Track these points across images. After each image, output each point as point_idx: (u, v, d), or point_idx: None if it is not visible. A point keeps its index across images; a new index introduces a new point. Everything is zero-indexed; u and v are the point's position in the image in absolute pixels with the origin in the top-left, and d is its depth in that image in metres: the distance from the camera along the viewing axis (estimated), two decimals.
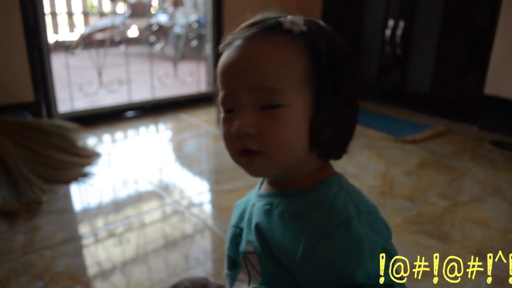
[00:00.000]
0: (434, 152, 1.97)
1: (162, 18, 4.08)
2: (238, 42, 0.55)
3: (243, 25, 0.57)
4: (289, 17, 0.55)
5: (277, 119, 0.53)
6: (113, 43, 2.72)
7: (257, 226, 0.58)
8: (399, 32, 2.52)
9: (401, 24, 2.51)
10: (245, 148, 0.55)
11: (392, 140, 2.11)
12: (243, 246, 0.62)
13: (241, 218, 0.63)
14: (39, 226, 1.30)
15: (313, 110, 0.54)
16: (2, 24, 1.82)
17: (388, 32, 2.56)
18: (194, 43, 3.10)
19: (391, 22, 2.55)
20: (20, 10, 1.86)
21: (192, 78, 2.95)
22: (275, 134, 0.53)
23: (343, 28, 2.75)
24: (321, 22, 0.59)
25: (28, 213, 1.36)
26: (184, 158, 1.93)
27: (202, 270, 1.14)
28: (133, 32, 4.59)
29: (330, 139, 0.56)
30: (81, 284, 1.05)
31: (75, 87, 2.36)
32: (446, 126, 2.30)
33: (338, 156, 0.60)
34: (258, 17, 0.57)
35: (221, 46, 0.57)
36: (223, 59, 0.56)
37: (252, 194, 0.64)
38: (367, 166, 1.81)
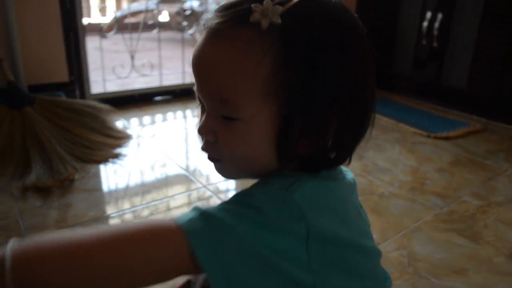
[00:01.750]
0: (468, 150, 1.92)
1: (194, 3, 4.08)
2: (204, 33, 0.48)
3: (220, 5, 0.48)
4: (266, 1, 0.44)
5: (233, 132, 0.47)
6: (146, 27, 2.74)
7: None
8: (436, 24, 2.45)
9: (439, 16, 2.44)
10: (205, 151, 0.52)
11: (425, 136, 2.06)
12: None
13: None
14: (71, 203, 1.32)
15: (282, 122, 0.46)
16: (41, 7, 1.85)
17: (425, 24, 2.49)
18: None
19: (428, 14, 2.48)
20: None
21: None
22: (230, 148, 0.49)
23: (378, 19, 2.71)
24: (317, 6, 0.46)
25: (61, 190, 1.40)
26: None
27: None
28: (164, 17, 4.62)
29: (311, 153, 0.48)
30: None
31: (107, 69, 2.39)
32: (481, 124, 2.24)
33: (331, 167, 0.52)
34: None
35: (198, 28, 0.51)
36: (194, 49, 0.49)
37: None
38: (398, 161, 1.78)
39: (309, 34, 0.44)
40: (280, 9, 0.44)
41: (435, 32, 2.46)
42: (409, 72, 2.70)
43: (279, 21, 0.43)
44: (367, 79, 0.49)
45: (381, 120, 2.24)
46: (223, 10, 0.47)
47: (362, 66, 0.48)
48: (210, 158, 0.53)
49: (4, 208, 1.28)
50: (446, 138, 2.04)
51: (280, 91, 0.45)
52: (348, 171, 0.58)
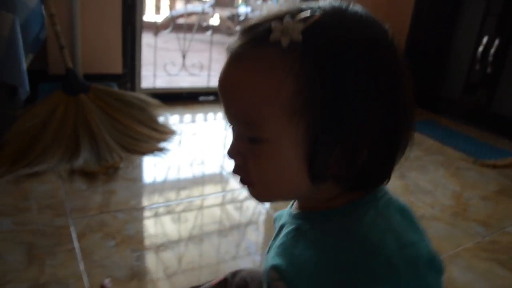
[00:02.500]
0: None
1: (242, 10, 4.15)
2: (228, 56, 0.47)
3: (243, 26, 0.47)
4: (286, 19, 0.42)
5: (260, 154, 0.46)
6: (200, 28, 2.80)
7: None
8: (492, 50, 2.38)
9: (496, 42, 2.37)
10: (236, 174, 0.51)
11: (470, 162, 2.00)
12: (266, 271, 0.54)
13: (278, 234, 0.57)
14: (114, 190, 1.37)
15: (310, 143, 0.44)
16: (104, 0, 1.93)
17: (480, 49, 2.43)
18: None
19: (485, 39, 2.42)
20: None
21: None
22: (258, 170, 0.47)
23: (433, 41, 2.66)
24: (342, 21, 0.44)
25: (106, 176, 1.44)
26: None
27: (249, 261, 1.14)
28: (215, 20, 4.70)
29: (342, 172, 0.46)
30: (148, 250, 1.10)
31: (158, 66, 2.46)
32: None
33: (367, 187, 0.49)
34: (258, 17, 0.45)
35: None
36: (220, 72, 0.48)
37: (287, 209, 0.59)
38: (441, 184, 1.73)
39: (333, 50, 0.42)
40: (301, 26, 0.42)
41: (490, 58, 2.39)
42: (460, 96, 2.63)
43: (300, 38, 0.41)
44: (401, 96, 0.46)
45: (426, 141, 2.20)
46: (245, 32, 0.45)
47: (394, 83, 0.45)
48: (241, 181, 0.51)
49: (52, 188, 1.33)
50: (493, 166, 1.97)
51: (306, 111, 0.43)
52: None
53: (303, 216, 0.52)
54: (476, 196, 1.65)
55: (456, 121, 2.59)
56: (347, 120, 0.43)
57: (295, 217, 0.53)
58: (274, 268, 0.51)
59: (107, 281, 0.84)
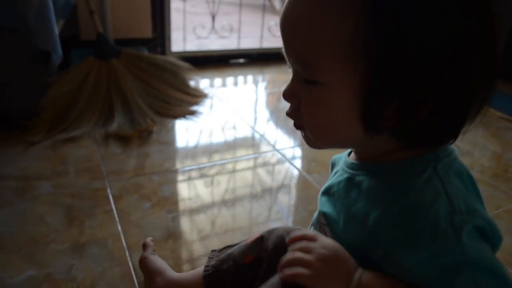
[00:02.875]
0: None
1: None
2: None
3: None
4: None
5: (314, 97, 0.45)
6: None
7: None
8: None
9: None
10: (289, 117, 0.50)
11: None
12: (315, 215, 0.57)
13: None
14: (148, 153, 1.39)
15: (366, 90, 0.42)
16: None
17: None
18: None
19: None
20: None
21: None
22: (310, 113, 0.46)
23: None
24: None
25: (140, 140, 1.46)
26: (282, 111, 1.92)
27: (281, 225, 1.13)
28: None
29: (400, 125, 0.43)
30: (183, 211, 1.12)
31: (187, 30, 2.43)
32: None
33: (429, 145, 0.46)
34: None
35: None
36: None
37: (343, 155, 0.58)
38: (481, 145, 1.67)
39: None
40: None
41: None
42: (501, 53, 2.49)
43: None
44: (476, 41, 0.42)
45: None
46: None
47: (468, 24, 0.41)
48: (295, 125, 0.51)
49: (88, 152, 1.36)
50: None
51: (364, 54, 0.40)
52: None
53: (358, 167, 0.51)
54: None
55: (498, 80, 2.47)
56: (407, 67, 0.40)
57: (349, 166, 0.53)
58: (323, 214, 0.53)
59: (149, 240, 0.86)
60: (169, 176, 1.27)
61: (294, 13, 0.43)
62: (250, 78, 2.28)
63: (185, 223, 1.08)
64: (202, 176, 1.30)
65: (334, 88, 0.43)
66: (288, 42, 0.46)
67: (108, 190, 1.17)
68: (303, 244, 0.47)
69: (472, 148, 1.63)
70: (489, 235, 0.43)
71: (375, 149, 0.48)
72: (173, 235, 1.02)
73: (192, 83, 1.90)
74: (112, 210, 1.09)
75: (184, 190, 1.23)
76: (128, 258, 0.93)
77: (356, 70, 0.41)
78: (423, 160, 0.45)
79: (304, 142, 0.53)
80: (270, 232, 0.71)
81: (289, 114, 0.50)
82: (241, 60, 2.47)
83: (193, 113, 1.69)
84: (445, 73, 0.41)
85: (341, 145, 0.53)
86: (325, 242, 0.47)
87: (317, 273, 0.45)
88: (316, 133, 0.48)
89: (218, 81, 2.17)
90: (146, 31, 2.06)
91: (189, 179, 1.28)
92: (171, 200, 1.15)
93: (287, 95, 0.49)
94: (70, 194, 1.14)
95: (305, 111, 0.47)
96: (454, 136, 0.46)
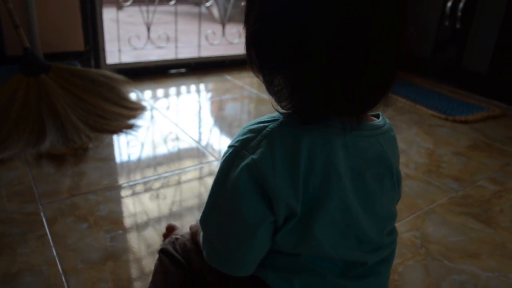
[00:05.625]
0: (486, 135, 1.88)
1: None
2: None
3: None
4: None
5: None
6: None
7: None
8: (461, 5, 2.37)
9: None
10: None
11: (443, 119, 2.02)
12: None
13: None
14: (84, 171, 1.33)
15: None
16: None
17: (449, 4, 2.42)
18: (243, 3, 3.04)
19: None
20: None
21: (240, 39, 2.91)
22: None
23: None
24: None
25: (75, 158, 1.40)
26: (225, 119, 1.92)
27: None
28: None
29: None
30: (122, 230, 1.08)
31: (123, 41, 2.37)
32: (501, 109, 2.19)
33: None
34: None
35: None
36: None
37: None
38: (415, 142, 1.75)
39: None
40: None
41: (459, 13, 2.39)
42: (430, 54, 2.63)
43: None
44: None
45: (398, 101, 2.20)
46: None
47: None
48: None
49: (19, 174, 1.29)
50: (465, 122, 2.00)
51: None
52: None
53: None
54: (449, 153, 1.67)
55: (427, 79, 2.61)
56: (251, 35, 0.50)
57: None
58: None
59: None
60: (107, 194, 1.22)
61: None
62: (189, 88, 2.26)
63: (131, 240, 1.04)
64: (146, 190, 1.26)
65: None
66: None
67: (42, 214, 1.11)
68: None
69: (407, 147, 1.70)
70: None
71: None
72: (112, 255, 0.98)
73: (129, 95, 1.85)
74: (46, 234, 1.03)
75: (123, 207, 1.19)
76: (65, 284, 0.89)
77: None
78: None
79: None
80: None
81: None
82: (182, 70, 2.44)
83: (131, 126, 1.65)
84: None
85: None
86: None
87: None
88: None
89: (156, 92, 2.13)
90: (78, 44, 1.98)
91: (131, 194, 1.25)
92: (110, 219, 1.11)
93: None
94: (0, 221, 1.07)
95: None
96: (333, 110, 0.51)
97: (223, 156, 0.54)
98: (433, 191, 1.38)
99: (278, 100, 0.51)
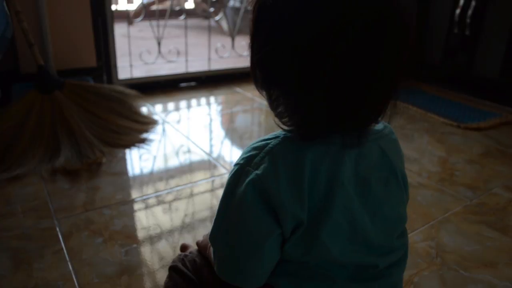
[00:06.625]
0: (499, 142, 1.86)
1: None
2: None
3: None
4: None
5: None
6: (173, 13, 2.74)
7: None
8: (469, 12, 2.37)
9: (473, 3, 2.35)
10: None
11: (455, 126, 2.01)
12: None
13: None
14: (98, 186, 1.34)
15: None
16: None
17: (457, 12, 2.41)
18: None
19: (461, 1, 2.40)
20: None
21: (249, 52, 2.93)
22: None
23: (409, 6, 2.62)
24: None
25: (89, 173, 1.42)
26: (236, 131, 1.93)
27: None
28: (189, 3, 4.62)
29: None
30: (136, 243, 1.09)
31: (134, 56, 2.41)
32: None
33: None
34: None
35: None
36: None
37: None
38: (427, 151, 1.74)
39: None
40: None
41: (468, 20, 2.38)
42: (440, 61, 2.63)
43: None
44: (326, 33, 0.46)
45: (409, 109, 2.20)
46: None
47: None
48: None
49: (34, 190, 1.31)
50: (477, 129, 1.98)
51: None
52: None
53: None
54: (462, 160, 1.66)
55: (438, 86, 2.59)
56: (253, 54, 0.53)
57: None
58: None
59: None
60: (121, 208, 1.24)
61: None
62: (199, 101, 2.28)
63: (144, 254, 1.05)
64: (159, 203, 1.27)
65: None
66: None
67: (57, 229, 1.12)
68: None
69: (420, 156, 1.69)
70: None
71: None
72: (127, 269, 0.99)
73: (140, 110, 1.88)
74: (62, 249, 1.05)
75: (138, 221, 1.20)
76: None
77: None
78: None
79: None
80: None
81: None
82: (193, 83, 2.47)
83: (143, 141, 1.66)
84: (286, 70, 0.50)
85: None
86: None
87: None
88: None
89: (168, 106, 2.16)
90: (90, 60, 2.02)
91: (144, 208, 1.26)
92: (124, 233, 1.12)
93: None
94: (16, 236, 1.09)
95: None
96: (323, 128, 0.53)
97: (229, 174, 0.56)
98: (447, 200, 1.36)
99: (280, 117, 0.54)
